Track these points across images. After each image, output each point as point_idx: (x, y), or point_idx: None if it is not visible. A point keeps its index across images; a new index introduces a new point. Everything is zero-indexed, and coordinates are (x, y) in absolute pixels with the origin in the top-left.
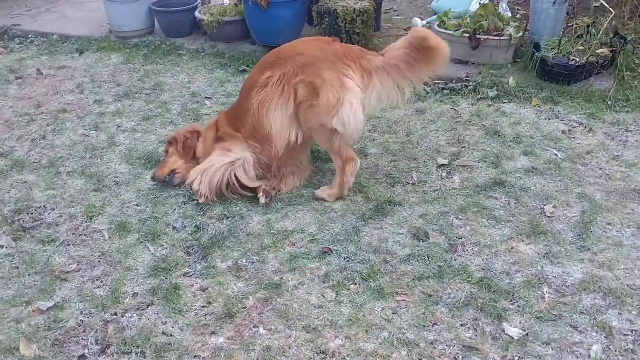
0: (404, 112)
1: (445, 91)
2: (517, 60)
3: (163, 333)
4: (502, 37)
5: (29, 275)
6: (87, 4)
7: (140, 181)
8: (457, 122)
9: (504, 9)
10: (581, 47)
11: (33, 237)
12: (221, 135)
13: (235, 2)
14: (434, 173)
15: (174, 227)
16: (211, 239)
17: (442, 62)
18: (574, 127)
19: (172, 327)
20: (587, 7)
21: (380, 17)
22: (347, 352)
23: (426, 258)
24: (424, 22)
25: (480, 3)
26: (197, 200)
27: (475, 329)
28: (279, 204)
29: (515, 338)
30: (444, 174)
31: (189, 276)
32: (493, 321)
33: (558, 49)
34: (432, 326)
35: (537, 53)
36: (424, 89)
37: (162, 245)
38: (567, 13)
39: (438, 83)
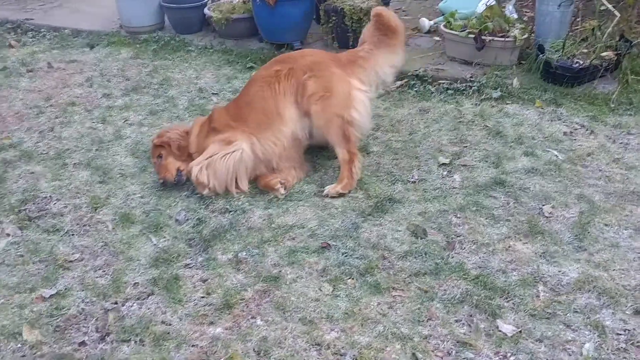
0: (408, 111)
1: (449, 91)
2: (521, 62)
3: (162, 322)
4: (507, 39)
5: (33, 263)
6: None
7: (146, 174)
8: (460, 122)
9: (510, 11)
10: (586, 50)
11: (38, 226)
12: (219, 128)
13: None
14: (435, 172)
15: (176, 220)
16: (212, 232)
17: (398, 43)
18: (575, 129)
19: (172, 317)
20: (593, 11)
21: None
22: (342, 345)
23: (423, 255)
24: (432, 22)
25: (487, 5)
26: (201, 193)
27: (470, 325)
28: (281, 199)
29: (509, 335)
30: (444, 173)
31: (190, 267)
32: (487, 318)
33: (562, 51)
34: (427, 321)
35: (541, 55)
36: (429, 89)
37: (164, 237)
38: (573, 16)
39: (443, 83)
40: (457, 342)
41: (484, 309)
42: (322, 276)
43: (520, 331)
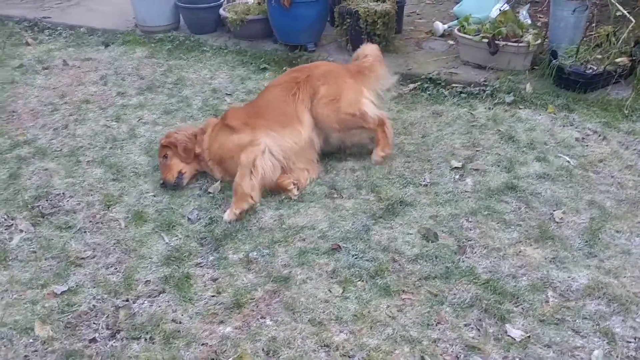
0: (421, 114)
1: (462, 95)
2: (535, 67)
3: (173, 320)
4: (520, 44)
5: (45, 259)
6: None
7: (158, 173)
8: (473, 125)
9: (524, 16)
10: (600, 56)
11: (51, 223)
12: (234, 126)
13: (259, 1)
14: (447, 175)
15: (188, 219)
16: (224, 232)
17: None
18: (588, 135)
19: (182, 315)
20: (607, 16)
21: (402, 19)
22: (350, 347)
23: (434, 259)
24: (445, 26)
25: (501, 10)
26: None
27: (479, 330)
28: (292, 200)
29: (518, 340)
30: (457, 177)
31: (201, 266)
32: (496, 322)
33: (576, 57)
34: (436, 325)
35: (554, 61)
36: (443, 93)
37: (176, 236)
38: (588, 21)
39: (456, 87)
40: (466, 346)
41: (493, 313)
42: (332, 278)
43: (529, 336)
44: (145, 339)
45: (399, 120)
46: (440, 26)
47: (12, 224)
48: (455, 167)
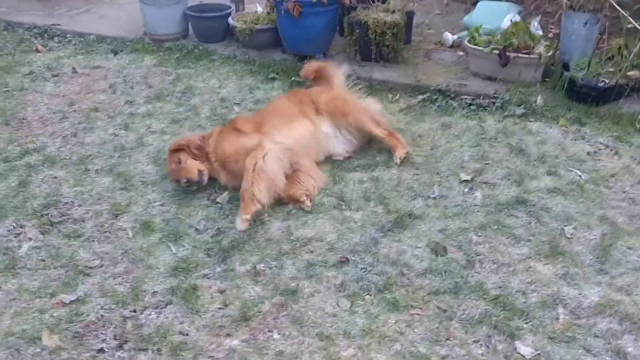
0: (430, 125)
1: (472, 107)
2: (546, 79)
3: (180, 332)
4: (532, 56)
5: (54, 268)
6: (125, 5)
7: (166, 182)
8: (483, 138)
9: (535, 27)
10: (612, 69)
11: (60, 231)
12: (242, 129)
13: (268, 10)
14: (456, 188)
15: (196, 229)
16: (231, 243)
17: None
18: (600, 150)
19: (189, 327)
20: (619, 29)
21: (411, 30)
22: None
23: (443, 273)
24: (455, 37)
25: (512, 20)
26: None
27: (488, 346)
28: (299, 211)
29: (527, 357)
30: (466, 190)
31: (208, 278)
32: (506, 339)
33: (587, 69)
34: (445, 341)
35: (566, 73)
36: (452, 104)
37: (183, 246)
38: (600, 34)
39: (465, 98)
40: None
41: (503, 330)
42: (340, 291)
43: (539, 354)
44: (153, 351)
45: (407, 132)
46: (449, 37)
47: (21, 232)
48: (465, 180)
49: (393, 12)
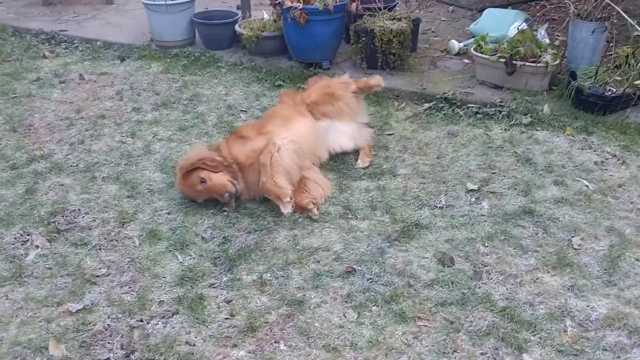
0: (436, 134)
1: (478, 115)
2: (553, 87)
3: (186, 342)
4: (538, 64)
5: (61, 276)
6: (131, 11)
7: (173, 190)
8: (489, 147)
9: (542, 35)
10: (619, 78)
11: (67, 239)
12: (247, 135)
13: (275, 18)
14: (462, 198)
15: (202, 238)
16: (238, 252)
17: None
18: (607, 159)
19: (196, 337)
20: (627, 37)
21: (417, 38)
22: None
23: (450, 284)
24: (461, 44)
25: (518, 29)
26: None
27: (495, 359)
28: (306, 220)
29: None
30: (472, 200)
31: (215, 287)
32: (513, 352)
33: (594, 78)
34: (452, 353)
35: (572, 82)
36: (458, 113)
37: (190, 255)
38: (607, 42)
39: (472, 107)
40: None
41: (510, 342)
42: (346, 302)
43: None
44: None
45: (413, 140)
46: (456, 45)
47: (27, 240)
48: (471, 190)
49: (399, 19)
